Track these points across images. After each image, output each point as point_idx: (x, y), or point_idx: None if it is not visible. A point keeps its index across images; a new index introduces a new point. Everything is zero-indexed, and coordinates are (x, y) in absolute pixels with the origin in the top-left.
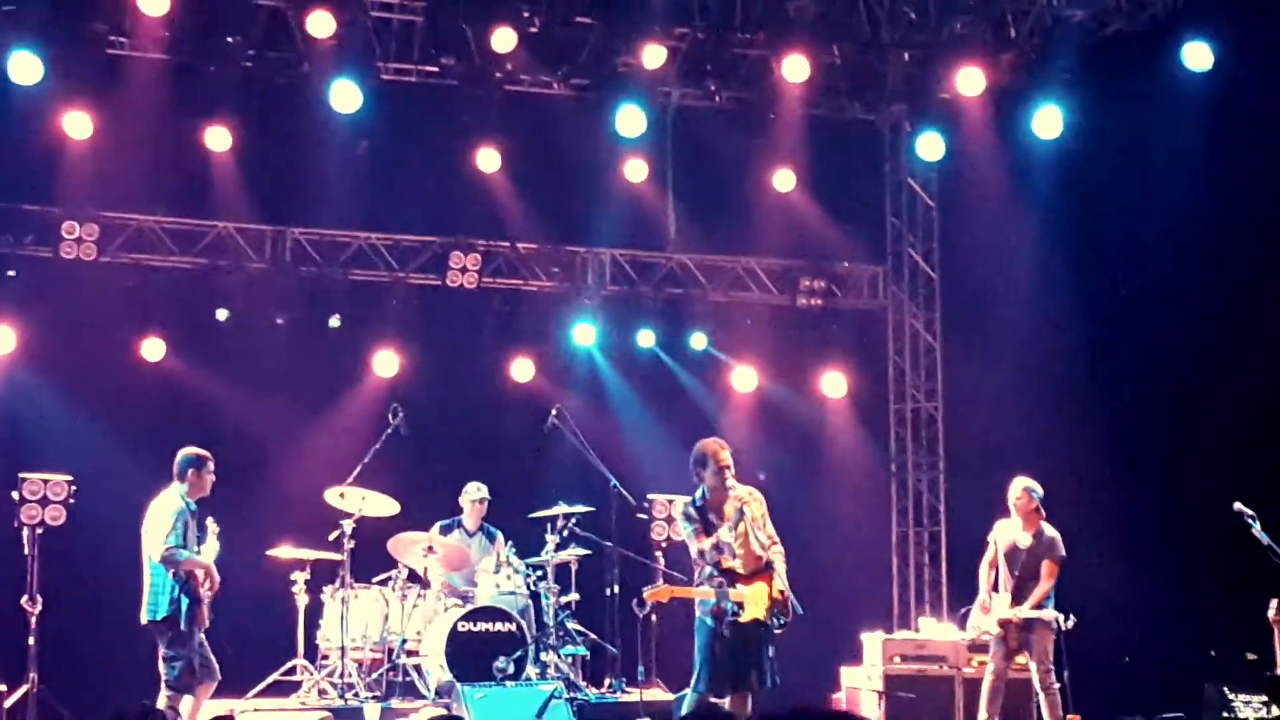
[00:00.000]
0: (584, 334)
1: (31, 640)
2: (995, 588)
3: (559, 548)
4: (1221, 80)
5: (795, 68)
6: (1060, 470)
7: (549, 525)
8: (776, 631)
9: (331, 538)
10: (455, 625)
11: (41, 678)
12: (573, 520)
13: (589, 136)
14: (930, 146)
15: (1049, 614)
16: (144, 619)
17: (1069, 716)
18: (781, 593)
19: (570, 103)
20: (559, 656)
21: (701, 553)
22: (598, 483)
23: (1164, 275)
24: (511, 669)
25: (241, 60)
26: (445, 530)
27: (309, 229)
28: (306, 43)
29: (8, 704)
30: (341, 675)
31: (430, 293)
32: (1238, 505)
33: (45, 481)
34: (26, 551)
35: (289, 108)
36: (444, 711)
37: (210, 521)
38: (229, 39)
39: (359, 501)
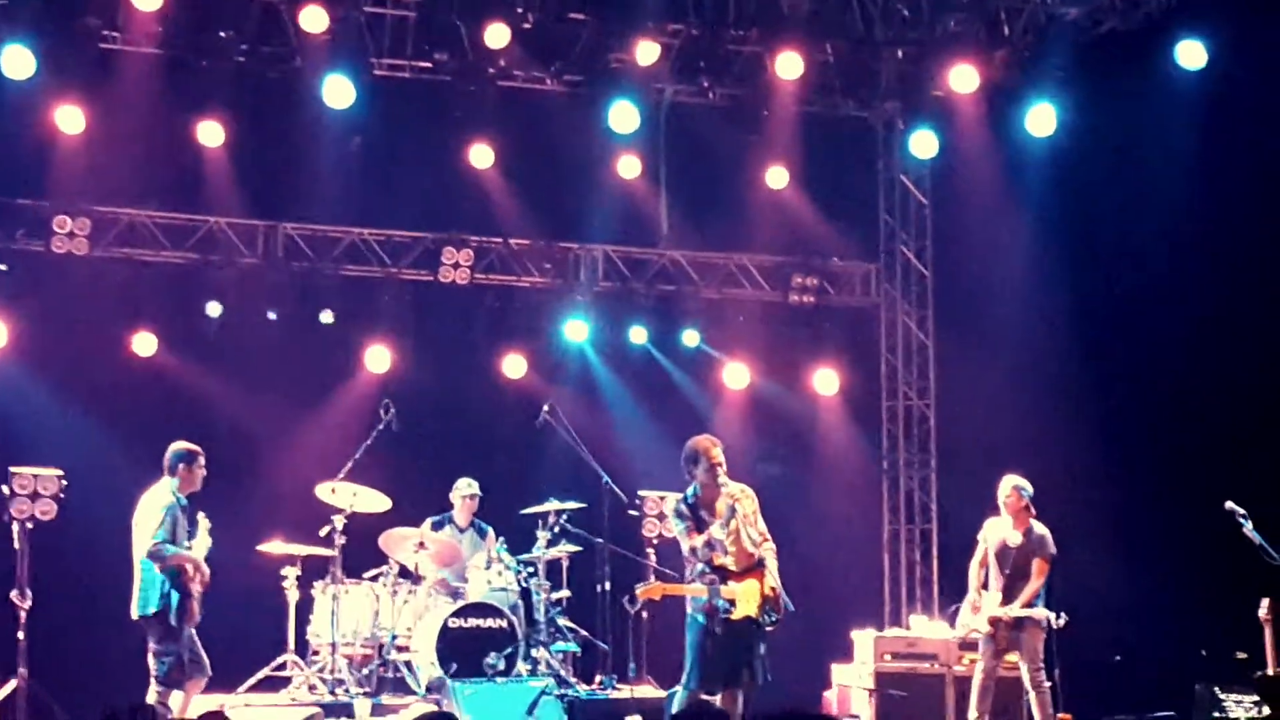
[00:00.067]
0: (576, 330)
1: (21, 635)
2: (985, 586)
3: (550, 544)
4: (1215, 79)
5: (789, 65)
6: (1052, 469)
7: (540, 521)
8: (768, 629)
9: (322, 533)
10: (446, 621)
11: (31, 673)
12: (564, 516)
13: (582, 133)
14: (923, 144)
15: (1039, 612)
16: (134, 614)
17: (1059, 715)
18: (773, 590)
19: (563, 99)
20: (550, 653)
21: (693, 550)
22: (589, 479)
23: (1157, 273)
24: (502, 665)
25: (234, 55)
26: (436, 526)
27: (301, 224)
28: (299, 38)
29: None
30: (332, 671)
31: (422, 288)
32: (1229, 504)
33: (35, 476)
34: (16, 546)
35: (282, 103)
36: (434, 708)
37: (201, 517)
38: (222, 34)
39: (350, 497)
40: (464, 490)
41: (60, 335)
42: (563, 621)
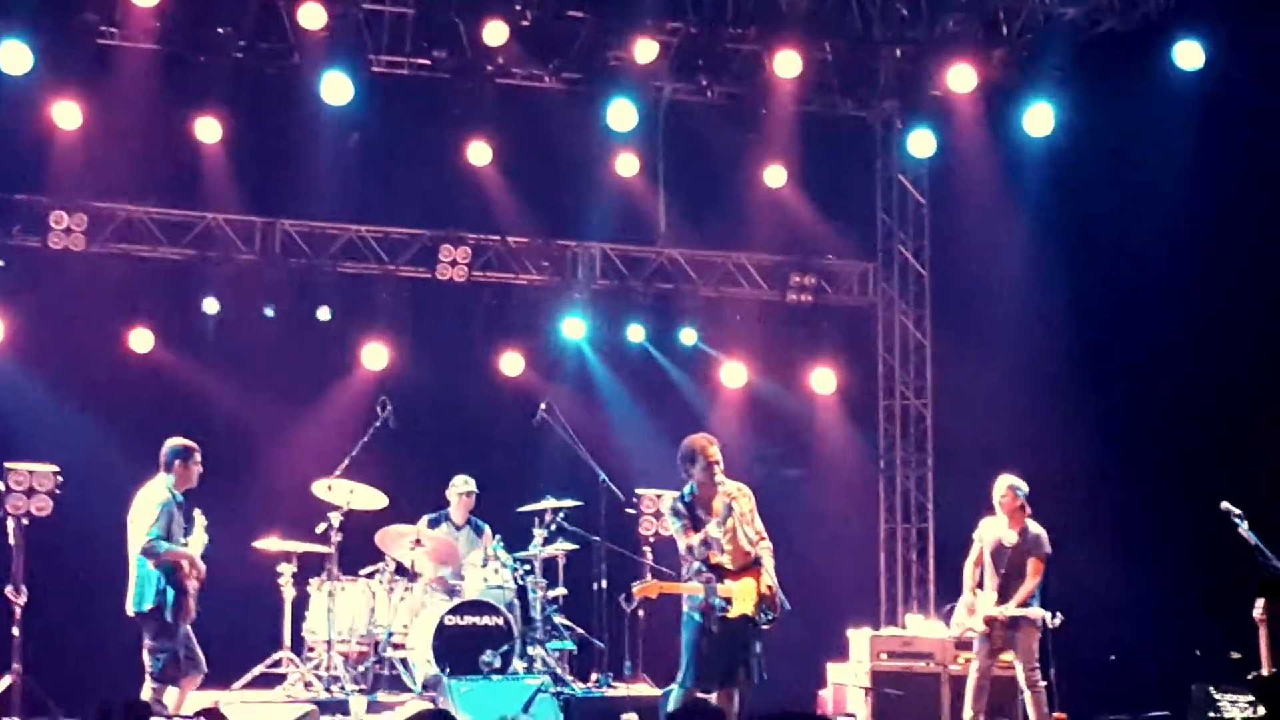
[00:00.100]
0: (574, 328)
1: (16, 631)
2: (980, 586)
3: (547, 542)
4: (1213, 79)
5: (787, 63)
6: (1049, 468)
7: (537, 519)
8: (764, 627)
9: (319, 530)
10: (442, 619)
11: (26, 669)
12: (561, 514)
13: (580, 130)
14: (921, 143)
15: (1035, 612)
16: (130, 610)
17: (1054, 715)
18: (769, 588)
19: (562, 96)
20: (546, 651)
21: (690, 548)
22: (586, 477)
23: (1155, 274)
24: (498, 663)
25: (232, 51)
26: (433, 523)
27: (298, 221)
28: (297, 34)
29: None
30: (327, 668)
31: (420, 286)
32: (1225, 505)
33: (31, 472)
34: (12, 542)
35: (279, 99)
36: (430, 705)
37: (198, 514)
38: (219, 30)
39: (347, 494)
40: (461, 488)
41: (57, 331)
42: (559, 619)
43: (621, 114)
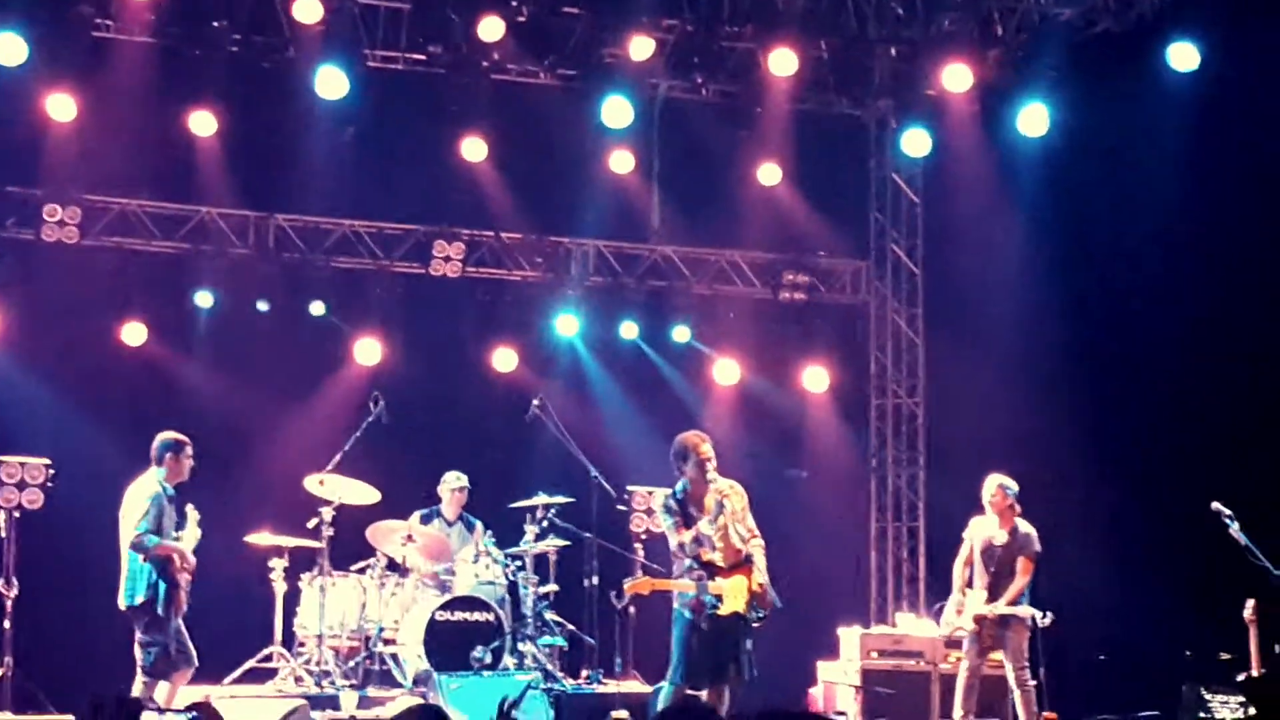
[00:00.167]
0: (567, 325)
1: (7, 624)
2: (970, 585)
3: (538, 538)
4: (1208, 80)
5: (782, 62)
6: (1041, 468)
7: (528, 515)
8: (755, 625)
9: (310, 525)
10: (433, 614)
11: (17, 662)
12: (552, 511)
13: (575, 127)
14: (916, 142)
15: (1024, 611)
16: (121, 604)
17: (1044, 714)
18: (761, 586)
19: (557, 93)
20: (536, 647)
21: (681, 545)
22: (578, 474)
23: (1149, 274)
24: (489, 659)
25: (227, 45)
26: (425, 519)
27: (292, 215)
28: (293, 28)
29: None
30: (318, 663)
31: (413, 281)
32: (1216, 505)
33: (23, 465)
34: (3, 535)
35: (274, 93)
36: (421, 700)
37: (190, 509)
38: (215, 23)
39: (338, 489)
40: (452, 483)
41: (49, 324)
42: (550, 616)
43: (616, 111)
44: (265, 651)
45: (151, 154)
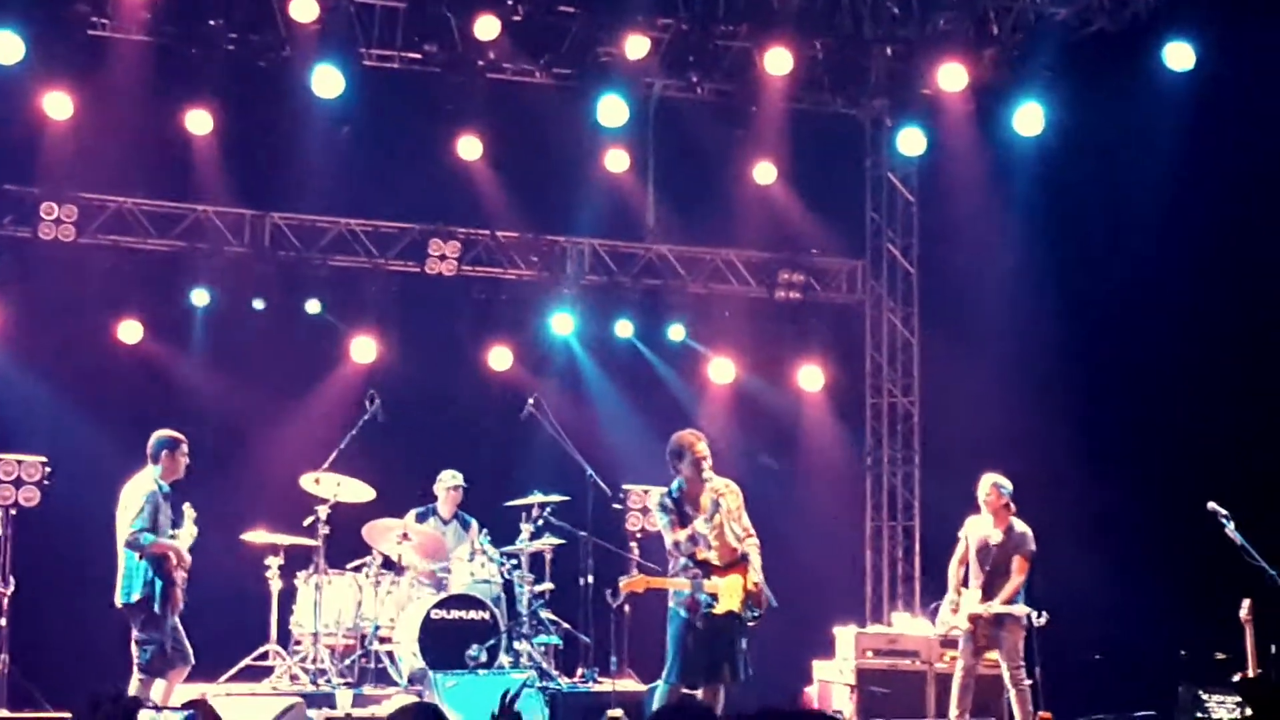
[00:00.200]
0: (562, 323)
1: (3, 621)
2: (965, 584)
3: (533, 536)
4: (1203, 80)
5: (778, 61)
6: (1036, 467)
7: (524, 514)
8: (750, 624)
9: (306, 523)
10: (428, 613)
11: (12, 659)
12: (548, 509)
13: (570, 126)
14: (911, 142)
15: (1019, 609)
16: (118, 602)
17: (1040, 714)
18: (756, 585)
19: (552, 92)
20: (532, 645)
21: (677, 544)
22: (573, 472)
23: (1144, 273)
24: (484, 657)
25: (223, 43)
26: (420, 518)
27: (288, 214)
28: (289, 27)
29: None
30: (314, 661)
31: (409, 279)
32: (1212, 505)
33: (20, 462)
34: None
35: (270, 92)
36: (416, 699)
37: (187, 507)
38: (211, 22)
39: (334, 487)
40: (448, 482)
41: (46, 322)
42: (545, 614)
43: (612, 110)
44: (261, 649)
45: (148, 152)
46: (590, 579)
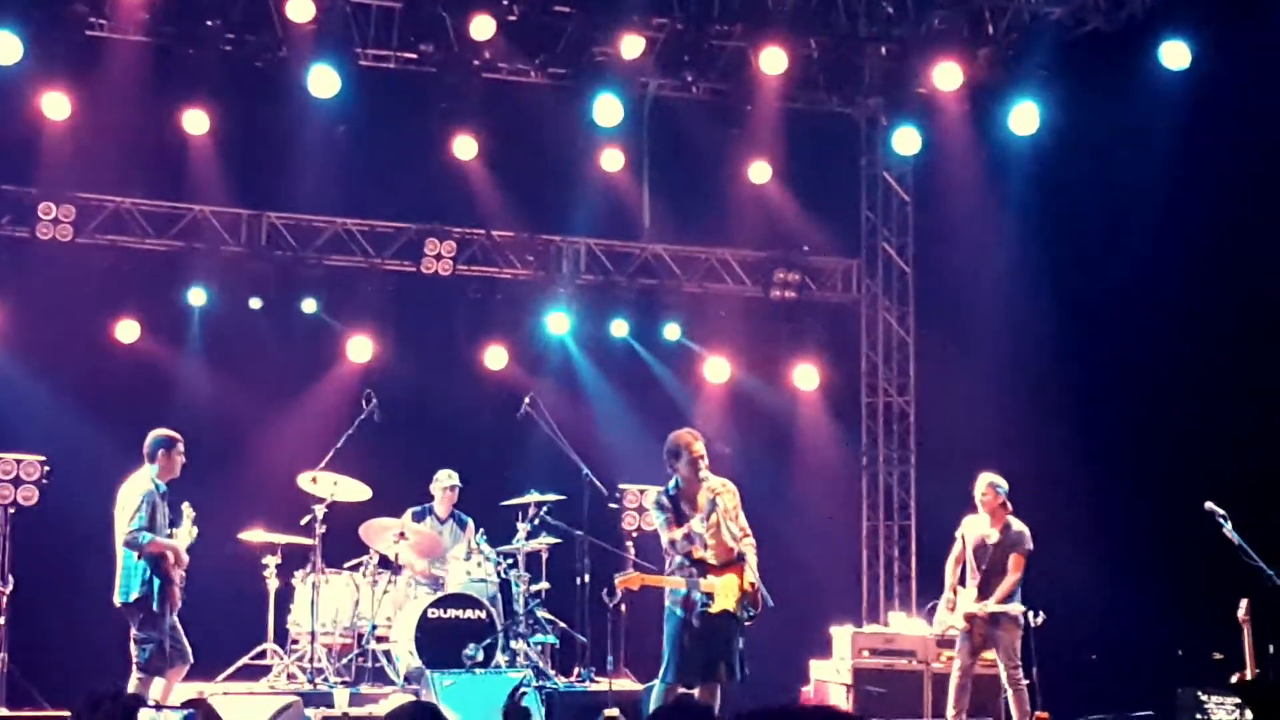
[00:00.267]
0: (558, 323)
1: (2, 620)
2: (962, 583)
3: (530, 536)
4: (1198, 79)
5: (773, 60)
6: (1032, 466)
7: (520, 513)
8: (746, 623)
9: (303, 522)
10: (425, 612)
11: (11, 658)
12: (544, 509)
13: (566, 125)
14: (906, 141)
15: (1015, 608)
16: (116, 601)
17: (1037, 714)
18: (752, 584)
19: (548, 91)
20: (528, 645)
21: (673, 543)
22: (570, 471)
23: (1139, 273)
24: (481, 656)
25: (220, 44)
26: (417, 517)
27: (285, 213)
28: (285, 27)
29: None
30: (311, 660)
31: (405, 279)
32: (1209, 505)
33: (18, 461)
34: None
35: (267, 92)
36: (413, 698)
37: (186, 506)
38: (208, 22)
39: (331, 487)
40: (444, 481)
41: (44, 321)
42: (541, 614)
43: (607, 109)
44: (259, 649)
45: (145, 152)
46: (587, 578)
